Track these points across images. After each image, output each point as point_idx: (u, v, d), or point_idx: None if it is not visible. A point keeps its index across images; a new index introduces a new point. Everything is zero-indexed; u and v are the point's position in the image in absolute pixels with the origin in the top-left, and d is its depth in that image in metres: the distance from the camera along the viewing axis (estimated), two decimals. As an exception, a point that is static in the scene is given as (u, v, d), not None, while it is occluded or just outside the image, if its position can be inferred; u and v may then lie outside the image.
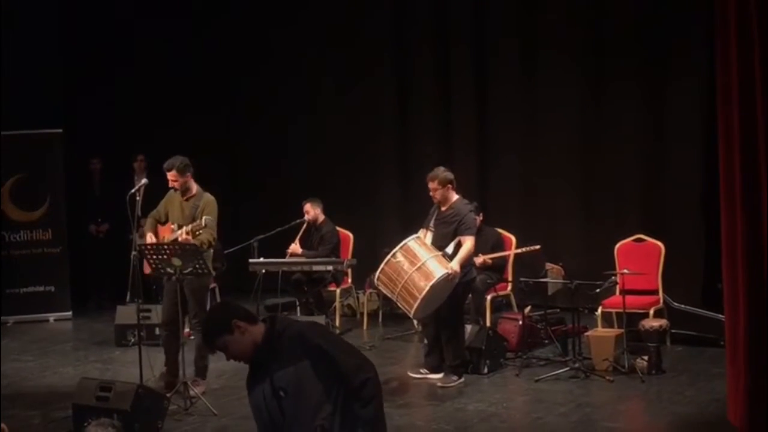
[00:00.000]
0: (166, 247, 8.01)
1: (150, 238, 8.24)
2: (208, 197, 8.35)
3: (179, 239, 8.07)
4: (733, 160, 6.81)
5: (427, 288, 8.02)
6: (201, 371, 8.36)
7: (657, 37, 10.64)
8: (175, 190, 8.32)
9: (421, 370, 8.76)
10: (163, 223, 8.41)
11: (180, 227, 8.18)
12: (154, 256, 7.97)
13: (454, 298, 8.40)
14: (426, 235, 8.58)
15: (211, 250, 8.34)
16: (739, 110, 6.72)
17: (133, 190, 8.48)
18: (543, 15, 11.23)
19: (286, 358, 4.36)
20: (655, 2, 10.66)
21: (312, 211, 10.74)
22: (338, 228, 10.96)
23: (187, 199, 8.32)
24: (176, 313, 8.16)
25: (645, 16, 10.71)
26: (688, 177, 10.49)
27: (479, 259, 9.75)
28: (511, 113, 11.52)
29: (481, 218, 10.11)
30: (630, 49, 10.80)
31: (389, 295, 8.47)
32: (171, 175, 8.26)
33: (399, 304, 8.37)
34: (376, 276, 8.33)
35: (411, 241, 8.30)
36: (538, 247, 10.00)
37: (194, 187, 8.37)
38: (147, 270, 8.30)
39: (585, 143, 11.18)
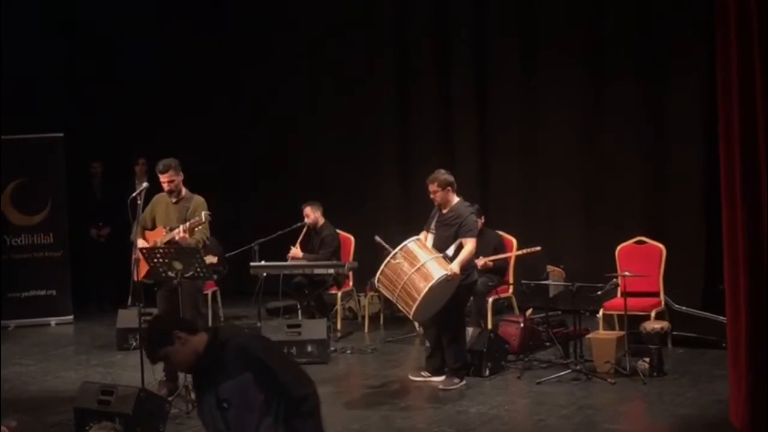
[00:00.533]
0: (163, 249, 7.99)
1: (142, 243, 8.23)
2: (198, 198, 8.35)
3: (176, 237, 8.05)
4: (733, 161, 6.81)
5: (426, 289, 8.02)
6: None
7: (657, 37, 10.65)
8: (170, 192, 8.29)
9: (423, 373, 8.76)
10: (150, 229, 8.36)
11: (172, 230, 8.16)
12: (157, 259, 7.96)
13: (456, 301, 8.40)
14: (427, 238, 8.58)
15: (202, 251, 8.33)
16: (739, 110, 6.72)
17: (134, 194, 8.47)
18: (543, 15, 11.23)
19: (230, 370, 4.46)
20: (654, 1, 10.65)
21: (312, 214, 10.74)
22: (339, 231, 10.97)
23: (176, 202, 8.30)
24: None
25: (644, 16, 10.70)
26: (689, 178, 10.50)
27: (480, 262, 9.75)
28: (511, 114, 11.53)
29: (482, 221, 10.11)
30: (630, 49, 10.81)
31: (389, 297, 8.47)
32: (167, 176, 8.24)
33: (399, 306, 8.38)
34: (377, 278, 8.34)
35: (411, 243, 8.30)
36: (538, 248, 10.00)
37: (184, 189, 8.37)
38: (138, 276, 8.22)
39: (586, 145, 11.18)
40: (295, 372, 4.55)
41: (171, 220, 8.25)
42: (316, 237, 10.76)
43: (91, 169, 12.50)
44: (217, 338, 4.53)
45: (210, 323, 11.01)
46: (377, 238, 9.44)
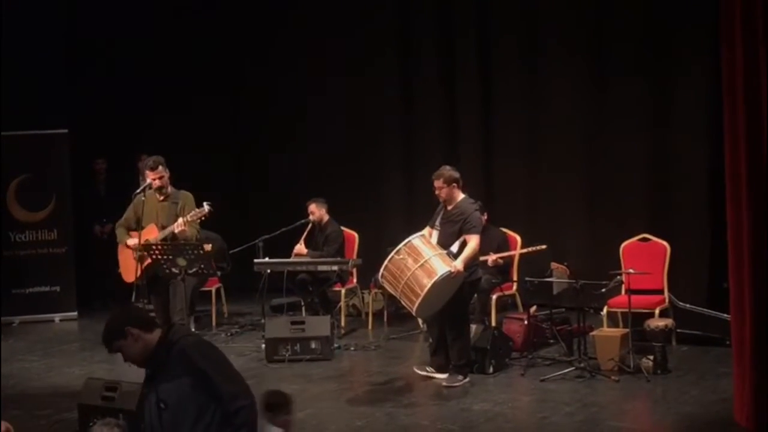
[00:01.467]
0: (162, 246, 7.97)
1: (133, 242, 8.18)
2: (186, 193, 8.35)
3: (176, 230, 8.03)
4: (738, 159, 6.80)
5: (429, 285, 8.01)
6: None
7: (661, 35, 10.62)
8: (159, 189, 8.26)
9: (427, 368, 8.74)
10: (134, 229, 8.30)
11: (164, 227, 8.15)
12: (158, 256, 7.96)
13: (460, 298, 8.40)
14: (432, 234, 8.58)
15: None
16: (744, 107, 6.71)
17: (138, 191, 8.48)
18: (547, 13, 11.22)
19: (171, 372, 4.56)
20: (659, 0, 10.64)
21: (317, 211, 10.73)
22: (343, 228, 10.96)
23: (164, 199, 8.29)
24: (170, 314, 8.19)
25: (649, 15, 10.68)
26: (694, 176, 10.47)
27: (491, 258, 9.76)
28: (515, 111, 11.51)
29: (485, 218, 10.10)
30: (634, 47, 10.78)
31: (393, 293, 8.47)
32: (158, 173, 8.24)
33: (402, 302, 8.37)
34: (380, 273, 8.33)
35: (415, 239, 8.30)
36: (544, 246, 10.00)
37: (170, 186, 8.37)
38: (135, 276, 8.17)
39: (589, 141, 11.16)
40: (233, 384, 4.60)
41: (161, 217, 8.23)
42: (321, 234, 10.75)
43: (95, 165, 12.51)
44: (167, 338, 4.63)
45: (213, 320, 11.06)
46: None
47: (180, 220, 8.02)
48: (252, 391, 4.64)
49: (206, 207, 8.07)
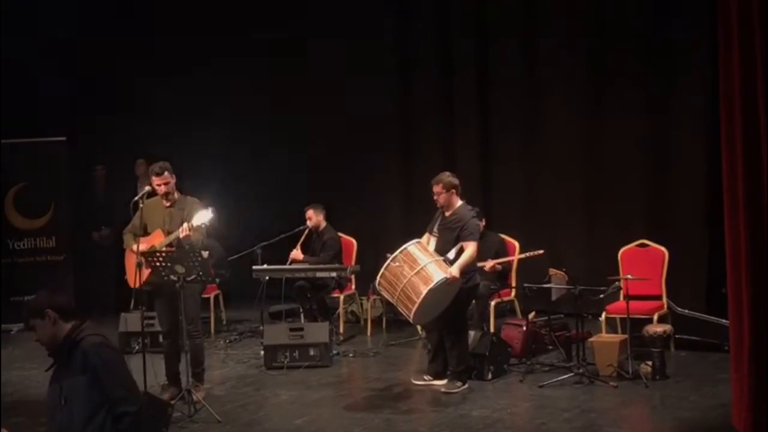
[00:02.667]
0: (165, 254, 7.96)
1: (139, 248, 8.15)
2: (192, 199, 8.32)
3: (181, 235, 8.01)
4: (736, 164, 6.80)
5: (425, 292, 8.02)
6: (198, 376, 8.34)
7: (659, 38, 10.64)
8: (164, 195, 8.25)
9: (425, 377, 8.75)
10: (142, 236, 8.28)
11: (170, 233, 8.14)
12: (159, 263, 7.95)
13: (458, 304, 8.40)
14: (430, 241, 8.59)
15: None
16: (741, 112, 6.71)
17: (136, 198, 8.46)
18: (544, 15, 11.23)
19: (72, 368, 4.66)
20: (656, 1, 10.64)
21: (314, 217, 10.74)
22: (342, 235, 10.97)
23: (170, 205, 8.27)
24: (175, 322, 8.18)
25: (646, 16, 10.69)
26: (692, 182, 10.49)
27: (489, 264, 9.76)
28: (513, 116, 11.53)
29: (483, 223, 10.10)
30: (632, 50, 10.80)
31: (390, 300, 8.48)
32: (163, 179, 8.20)
33: (399, 308, 8.37)
34: (377, 281, 8.34)
35: (411, 246, 8.30)
36: (541, 252, 10.00)
37: (176, 192, 8.35)
38: (139, 283, 8.15)
39: (587, 147, 11.17)
40: (121, 388, 4.69)
41: (167, 223, 8.22)
42: (318, 240, 10.76)
43: (94, 172, 12.51)
44: (73, 334, 4.71)
45: (212, 327, 11.06)
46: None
47: (185, 225, 8.00)
48: (141, 400, 4.78)
49: (210, 212, 8.06)
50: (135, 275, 8.03)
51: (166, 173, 8.21)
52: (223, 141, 12.97)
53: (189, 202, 8.28)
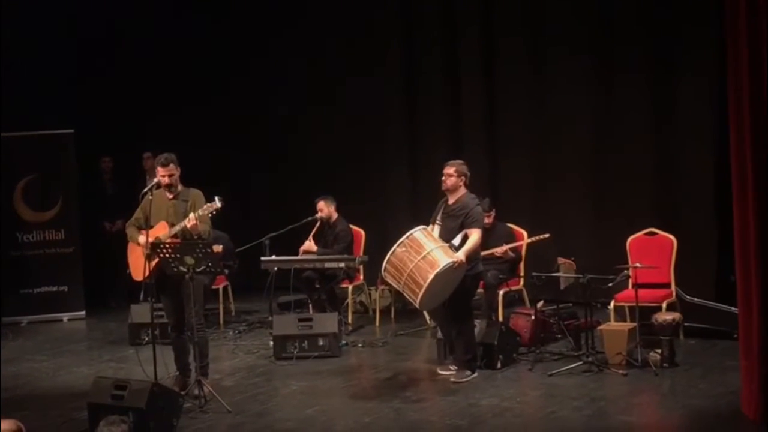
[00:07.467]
0: (171, 245, 7.95)
1: (144, 240, 8.15)
2: (195, 191, 8.30)
3: (188, 225, 7.99)
4: (744, 152, 6.81)
5: (432, 277, 8.01)
6: (203, 370, 8.33)
7: (667, 31, 10.61)
8: (168, 186, 8.23)
9: (451, 367, 8.72)
10: (144, 228, 8.27)
11: (173, 225, 8.13)
12: (166, 254, 7.94)
13: (463, 292, 8.40)
14: (433, 229, 8.58)
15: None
16: (749, 102, 6.71)
17: (145, 190, 8.46)
18: (552, 11, 11.21)
19: None
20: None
21: (326, 209, 10.72)
22: (351, 225, 10.96)
23: (174, 197, 8.26)
24: (181, 317, 8.20)
25: (653, 11, 10.67)
26: (700, 170, 10.47)
27: (502, 249, 9.79)
28: (521, 108, 11.51)
29: (493, 214, 10.11)
30: (640, 42, 10.77)
31: (396, 286, 8.46)
32: (168, 170, 8.17)
33: (405, 294, 8.37)
34: (383, 267, 8.33)
35: (417, 232, 8.30)
36: (547, 235, 10.01)
37: (180, 184, 8.33)
38: (144, 275, 8.14)
39: (596, 137, 11.15)
40: None
41: (171, 215, 8.21)
42: (330, 232, 10.75)
43: (102, 164, 12.53)
44: None
45: (221, 318, 11.08)
46: None
47: (191, 215, 7.97)
48: None
49: (218, 201, 8.04)
50: (143, 267, 8.03)
51: (171, 165, 8.20)
52: (233, 132, 12.95)
53: (193, 194, 8.27)
